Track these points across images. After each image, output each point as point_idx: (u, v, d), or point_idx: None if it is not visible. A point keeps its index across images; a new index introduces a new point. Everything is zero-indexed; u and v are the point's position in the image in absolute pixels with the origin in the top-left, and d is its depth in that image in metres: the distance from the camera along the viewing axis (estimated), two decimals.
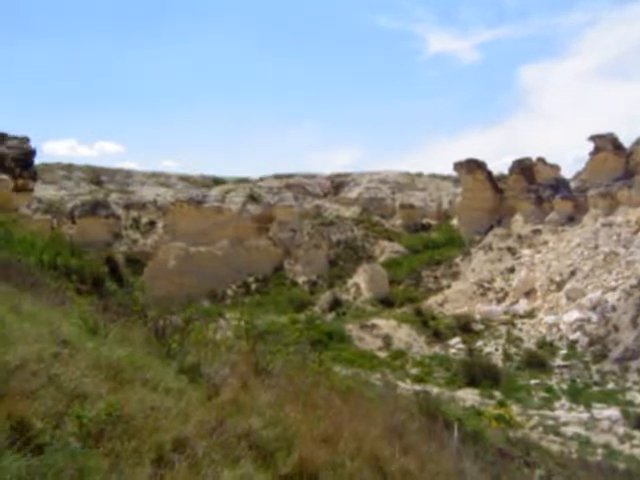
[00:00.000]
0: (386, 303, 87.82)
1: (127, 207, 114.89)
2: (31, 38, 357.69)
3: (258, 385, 10.43)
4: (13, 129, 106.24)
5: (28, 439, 6.04)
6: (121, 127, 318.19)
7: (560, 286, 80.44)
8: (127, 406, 7.21)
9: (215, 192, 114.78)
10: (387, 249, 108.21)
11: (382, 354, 68.21)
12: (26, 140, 73.00)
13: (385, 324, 74.93)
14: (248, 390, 9.78)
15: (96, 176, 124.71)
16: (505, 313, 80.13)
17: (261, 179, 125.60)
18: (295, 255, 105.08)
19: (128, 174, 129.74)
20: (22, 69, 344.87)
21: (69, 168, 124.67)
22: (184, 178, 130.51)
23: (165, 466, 6.67)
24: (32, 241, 32.77)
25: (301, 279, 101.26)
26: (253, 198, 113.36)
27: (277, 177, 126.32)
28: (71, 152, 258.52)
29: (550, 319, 73.72)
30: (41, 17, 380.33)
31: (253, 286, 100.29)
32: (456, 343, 71.39)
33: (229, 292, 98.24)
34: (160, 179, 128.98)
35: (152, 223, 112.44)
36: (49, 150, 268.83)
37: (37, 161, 77.68)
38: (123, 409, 7.10)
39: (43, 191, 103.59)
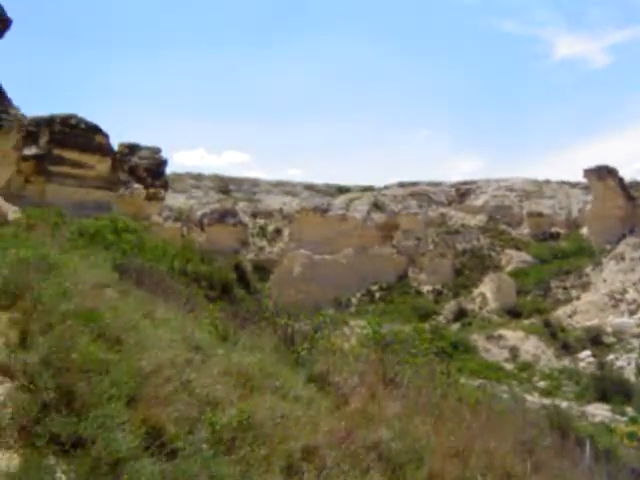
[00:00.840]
0: (513, 314, 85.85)
1: (254, 215, 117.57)
2: (164, 51, 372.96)
3: (386, 395, 10.24)
4: (145, 140, 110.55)
5: (162, 444, 6.10)
6: (248, 137, 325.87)
7: None
8: (257, 413, 7.21)
9: (340, 200, 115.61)
10: (514, 258, 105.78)
11: (509, 366, 66.88)
12: (158, 150, 75.81)
13: (512, 335, 73.46)
14: (376, 400, 9.64)
15: (224, 185, 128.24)
16: (638, 326, 76.57)
17: (385, 187, 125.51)
18: (420, 263, 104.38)
19: (255, 183, 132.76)
20: (154, 82, 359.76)
21: (198, 177, 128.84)
22: (309, 187, 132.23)
23: (294, 475, 6.65)
24: (163, 248, 33.92)
25: (425, 288, 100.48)
26: (377, 206, 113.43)
27: (401, 185, 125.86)
28: (200, 162, 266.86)
29: None
30: (174, 31, 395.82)
31: (377, 294, 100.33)
32: (586, 356, 69.05)
33: (353, 300, 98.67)
34: (286, 188, 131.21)
35: (278, 231, 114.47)
36: (179, 160, 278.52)
37: (168, 171, 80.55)
38: (254, 416, 7.07)
39: (173, 200, 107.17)
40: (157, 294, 14.04)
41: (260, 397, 7.86)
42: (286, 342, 11.55)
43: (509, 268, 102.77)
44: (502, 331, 74.85)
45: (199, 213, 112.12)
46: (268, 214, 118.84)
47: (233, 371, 8.38)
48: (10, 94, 37.64)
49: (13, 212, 39.71)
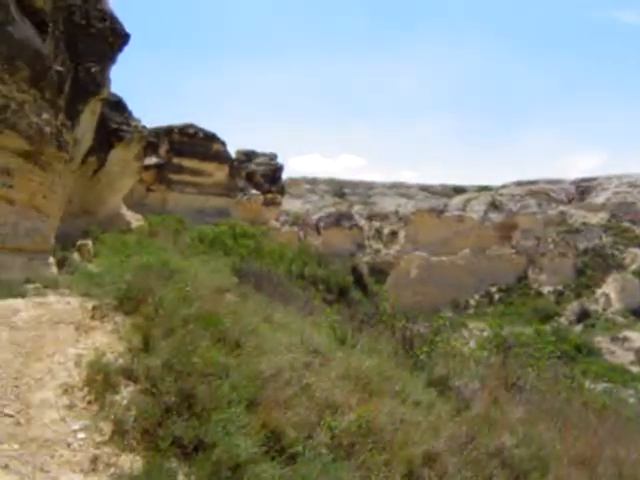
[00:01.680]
0: (638, 314, 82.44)
1: (369, 218, 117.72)
2: (277, 58, 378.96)
3: (509, 400, 9.97)
4: (261, 147, 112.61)
5: (282, 448, 6.08)
6: (362, 140, 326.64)
7: None
8: (377, 418, 7.09)
9: (456, 201, 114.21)
10: (638, 257, 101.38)
11: (635, 369, 64.20)
12: (274, 157, 77.13)
13: (638, 337, 70.61)
14: (499, 405, 9.39)
15: (339, 189, 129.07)
16: None
17: (503, 186, 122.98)
18: (539, 264, 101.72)
19: (370, 186, 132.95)
20: (269, 89, 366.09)
21: (314, 182, 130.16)
22: (424, 188, 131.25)
23: None
24: (281, 252, 34.36)
25: (546, 289, 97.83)
26: (495, 206, 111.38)
27: (519, 184, 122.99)
28: (316, 166, 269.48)
29: None
30: (285, 37, 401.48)
31: (496, 296, 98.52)
32: None
33: (471, 302, 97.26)
34: (401, 190, 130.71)
35: (394, 233, 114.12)
36: (295, 165, 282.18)
37: (284, 176, 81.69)
38: (373, 421, 6.96)
39: (290, 204, 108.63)
40: (275, 298, 14.15)
41: (379, 401, 7.74)
42: (405, 345, 11.39)
43: (633, 267, 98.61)
44: (627, 332, 72.22)
45: (315, 217, 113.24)
46: (384, 216, 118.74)
47: (352, 375, 8.30)
48: (130, 106, 39.10)
49: (136, 220, 41.24)
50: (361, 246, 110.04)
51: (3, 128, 16.70)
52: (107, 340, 8.32)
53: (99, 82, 27.77)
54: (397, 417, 7.37)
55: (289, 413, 6.54)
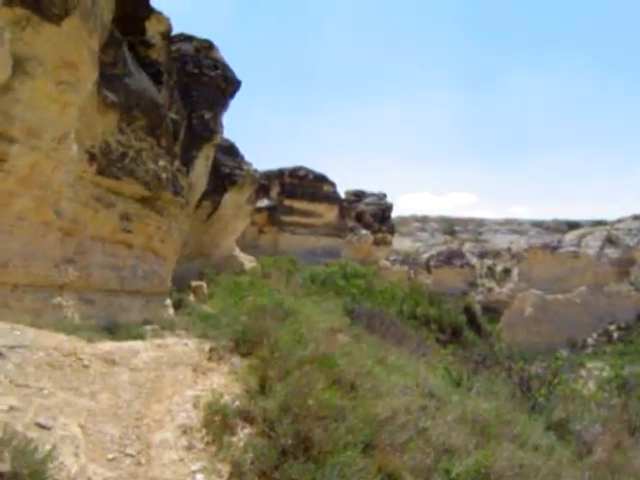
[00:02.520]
0: None
1: (481, 256, 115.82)
2: (385, 98, 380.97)
3: (633, 445, 9.49)
4: (371, 186, 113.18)
5: None
6: (472, 177, 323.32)
7: None
8: (496, 463, 6.85)
9: (570, 237, 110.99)
10: None
11: None
12: (383, 196, 77.35)
13: None
14: (622, 450, 8.96)
15: (449, 226, 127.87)
16: None
17: (619, 221, 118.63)
18: None
19: (480, 223, 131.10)
20: (377, 128, 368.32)
21: (424, 220, 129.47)
22: (537, 224, 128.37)
23: None
24: (392, 292, 34.18)
25: None
26: (611, 241, 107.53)
27: (636, 218, 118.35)
28: (425, 204, 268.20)
29: None
30: (392, 76, 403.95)
31: (615, 334, 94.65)
32: None
33: (589, 340, 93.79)
34: (512, 226, 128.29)
35: (507, 271, 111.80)
36: (405, 204, 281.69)
37: (394, 215, 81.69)
38: (492, 466, 6.73)
39: (400, 243, 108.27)
40: (388, 338, 14.03)
41: (497, 445, 7.51)
42: (522, 388, 11.07)
43: None
44: None
45: (426, 255, 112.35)
46: (496, 254, 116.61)
47: (468, 418, 8.11)
48: (242, 150, 40.10)
49: (249, 261, 41.96)
50: (473, 284, 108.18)
51: (122, 175, 17.38)
52: (224, 382, 8.42)
53: (212, 128, 28.67)
54: (516, 462, 7.16)
55: (405, 457, 6.43)
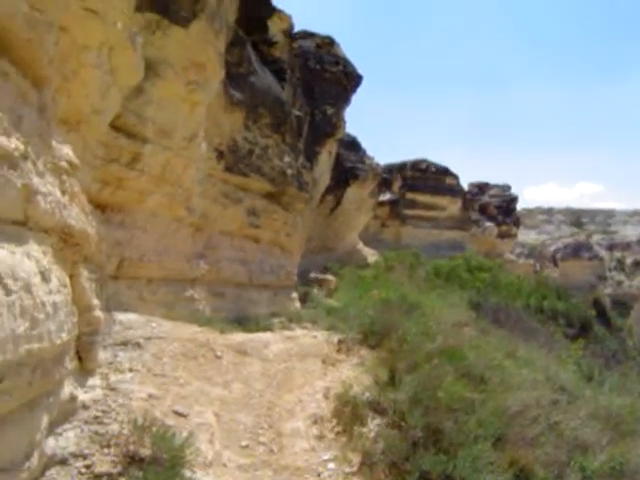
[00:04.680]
0: None
1: (610, 248, 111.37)
2: (505, 89, 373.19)
3: None
4: (494, 178, 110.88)
5: None
6: (600, 167, 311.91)
7: None
8: (631, 460, 6.61)
9: None
10: None
11: None
12: (507, 188, 75.66)
13: None
14: None
15: (576, 218, 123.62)
16: None
17: None
18: None
19: (609, 214, 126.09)
20: (500, 120, 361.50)
21: (549, 212, 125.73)
22: None
23: None
24: (518, 286, 33.44)
25: None
26: None
27: None
28: (551, 196, 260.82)
29: None
30: (513, 65, 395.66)
31: None
32: None
33: None
34: None
35: (637, 264, 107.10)
36: (529, 195, 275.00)
37: (518, 207, 79.74)
38: (627, 462, 6.51)
39: (525, 236, 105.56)
40: (515, 332, 13.76)
41: (632, 442, 7.24)
42: None
43: None
44: None
45: (552, 248, 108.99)
46: (625, 246, 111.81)
47: (601, 414, 7.87)
48: (364, 145, 40.18)
49: (372, 255, 42.05)
50: (602, 278, 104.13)
51: (249, 172, 17.80)
52: (353, 373, 8.51)
53: (335, 124, 28.85)
54: None
55: (537, 451, 6.31)
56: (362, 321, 10.45)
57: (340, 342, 10.06)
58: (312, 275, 28.77)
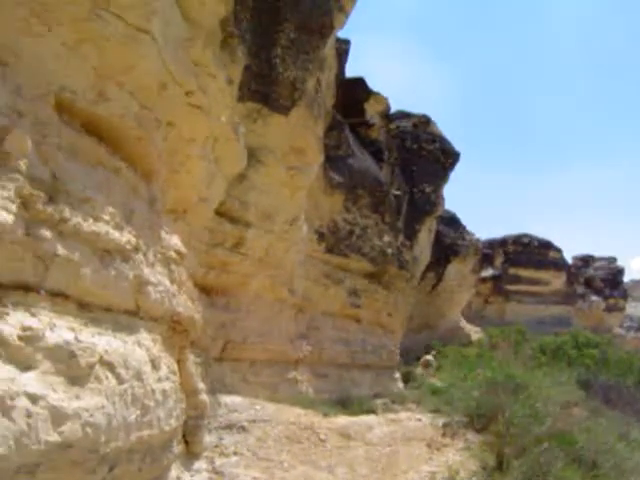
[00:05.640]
0: None
1: None
2: (606, 157, 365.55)
3: None
4: (599, 250, 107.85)
5: None
6: None
7: None
8: None
9: None
10: None
11: None
12: (613, 260, 73.38)
13: None
14: None
15: None
16: None
17: None
18: None
19: None
20: (602, 189, 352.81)
21: None
22: None
23: None
24: (629, 362, 31.93)
25: None
26: None
27: None
28: None
29: None
30: (611, 135, 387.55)
31: None
32: None
33: None
34: None
35: None
36: (637, 266, 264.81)
37: (625, 279, 77.02)
38: None
39: (634, 309, 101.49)
40: (628, 412, 13.15)
41: None
42: None
43: None
44: None
45: None
46: None
47: None
48: (463, 220, 39.97)
49: (475, 332, 41.26)
50: None
51: (349, 252, 17.95)
52: (459, 458, 8.29)
53: (433, 201, 28.89)
54: None
55: None
56: (467, 403, 10.22)
57: (445, 425, 9.85)
58: (414, 354, 28.46)
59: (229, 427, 9.83)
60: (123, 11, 4.97)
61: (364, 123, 21.34)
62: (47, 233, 4.15)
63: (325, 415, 11.65)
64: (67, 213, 4.35)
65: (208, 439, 8.44)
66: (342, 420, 11.14)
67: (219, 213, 11.76)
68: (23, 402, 3.63)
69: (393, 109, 25.68)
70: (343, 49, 19.50)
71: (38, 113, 4.44)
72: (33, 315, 3.99)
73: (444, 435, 9.53)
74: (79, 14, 4.66)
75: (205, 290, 12.33)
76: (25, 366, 3.77)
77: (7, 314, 3.76)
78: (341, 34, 17.80)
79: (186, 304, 6.53)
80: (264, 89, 12.50)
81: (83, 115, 5.04)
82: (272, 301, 14.86)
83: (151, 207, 6.00)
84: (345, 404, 15.20)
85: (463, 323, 42.19)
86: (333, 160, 16.97)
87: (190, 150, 7.12)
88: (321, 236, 16.76)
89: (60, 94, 4.72)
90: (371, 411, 13.98)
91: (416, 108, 31.78)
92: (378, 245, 19.47)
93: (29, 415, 3.65)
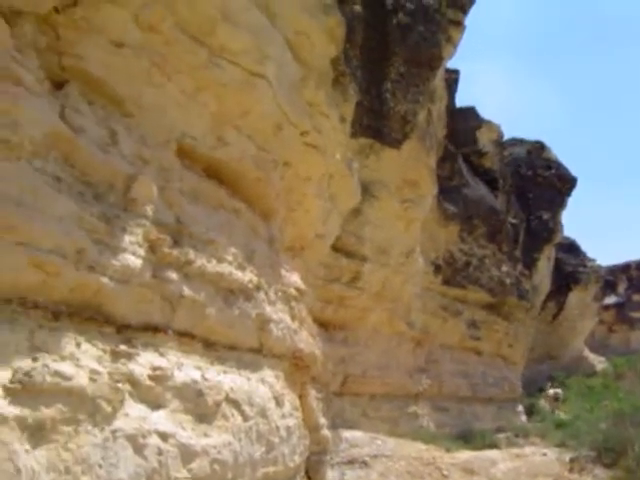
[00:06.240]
0: None
1: None
2: None
3: None
4: None
5: None
6: None
7: None
8: None
9: None
10: None
11: None
12: None
13: None
14: None
15: None
16: None
17: None
18: None
19: None
20: None
21: None
22: None
23: None
24: None
25: None
26: None
27: None
28: None
29: None
30: None
31: None
32: None
33: None
34: None
35: None
36: None
37: None
38: None
39: None
40: None
41: None
42: None
43: None
44: None
45: None
46: None
47: None
48: (583, 247, 38.82)
49: (599, 362, 39.73)
50: None
51: (467, 283, 17.75)
52: None
53: (551, 228, 28.22)
54: None
55: None
56: (594, 436, 9.83)
57: (572, 460, 9.51)
58: (536, 386, 27.70)
59: (351, 462, 9.82)
60: (238, 57, 5.13)
61: (477, 152, 21.14)
62: (173, 275, 4.30)
63: (447, 450, 11.48)
64: (192, 255, 4.51)
65: (330, 475, 8.45)
66: (465, 455, 10.95)
67: (335, 248, 11.89)
68: (154, 440, 3.75)
69: (505, 135, 25.34)
70: (452, 79, 19.44)
71: (161, 160, 4.63)
72: (162, 355, 4.13)
73: (571, 471, 9.19)
74: (197, 62, 4.84)
75: (323, 325, 12.44)
76: (155, 405, 3.91)
77: (137, 355, 3.90)
78: (449, 64, 17.79)
79: (307, 340, 6.60)
80: (376, 124, 12.61)
81: (203, 159, 5.22)
82: (390, 335, 14.85)
83: (270, 246, 6.12)
84: (467, 438, 14.95)
85: (586, 352, 40.72)
86: (447, 191, 16.87)
87: (306, 189, 7.23)
88: (437, 268, 16.66)
89: (181, 141, 4.91)
90: (494, 445, 13.69)
91: (526, 130, 31.31)
92: (496, 275, 19.15)
93: (160, 453, 3.77)
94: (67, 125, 3.75)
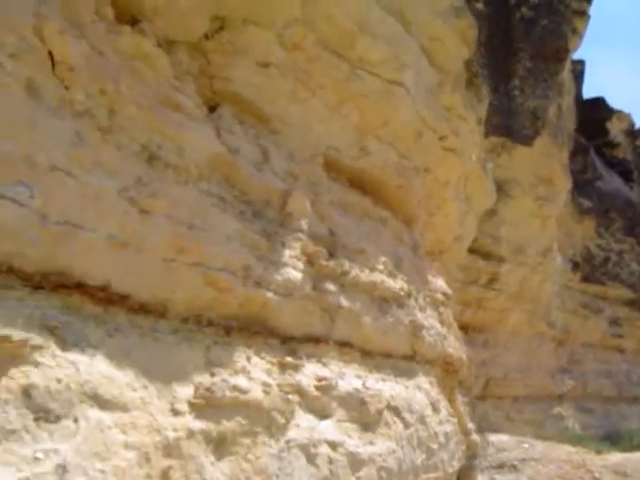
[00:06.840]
0: None
1: None
2: None
3: None
4: None
5: None
6: None
7: None
8: None
9: None
10: None
11: None
12: None
13: None
14: None
15: None
16: None
17: None
18: None
19: None
20: None
21: None
22: None
23: None
24: None
25: None
26: None
27: None
28: None
29: None
30: None
31: None
32: None
33: None
34: None
35: None
36: None
37: None
38: None
39: None
40: None
41: None
42: None
43: None
44: None
45: None
46: None
47: None
48: None
49: None
50: None
51: (606, 280, 17.20)
52: None
53: None
54: None
55: None
56: None
57: None
58: None
59: (500, 467, 9.70)
60: (376, 67, 5.18)
61: (608, 143, 20.44)
62: (331, 286, 4.39)
63: (597, 452, 11.14)
64: (346, 266, 4.59)
65: (480, 479, 8.37)
66: (616, 457, 10.59)
67: (471, 250, 11.78)
68: (324, 449, 3.84)
69: (636, 124, 24.35)
70: (578, 70, 18.91)
71: (310, 174, 4.74)
72: (324, 365, 4.22)
73: None
74: (338, 76, 4.93)
75: (462, 328, 12.30)
76: (322, 415, 4.00)
77: (303, 366, 4.01)
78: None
79: (455, 345, 6.58)
80: (506, 122, 12.42)
81: (347, 170, 5.30)
82: (530, 335, 14.58)
83: (415, 252, 6.15)
84: (614, 440, 14.50)
85: None
86: (580, 185, 16.39)
87: (445, 193, 7.21)
88: (575, 265, 16.23)
89: (327, 153, 5.01)
90: None
91: None
92: (637, 270, 18.43)
93: (330, 462, 3.86)
94: (224, 146, 3.90)
